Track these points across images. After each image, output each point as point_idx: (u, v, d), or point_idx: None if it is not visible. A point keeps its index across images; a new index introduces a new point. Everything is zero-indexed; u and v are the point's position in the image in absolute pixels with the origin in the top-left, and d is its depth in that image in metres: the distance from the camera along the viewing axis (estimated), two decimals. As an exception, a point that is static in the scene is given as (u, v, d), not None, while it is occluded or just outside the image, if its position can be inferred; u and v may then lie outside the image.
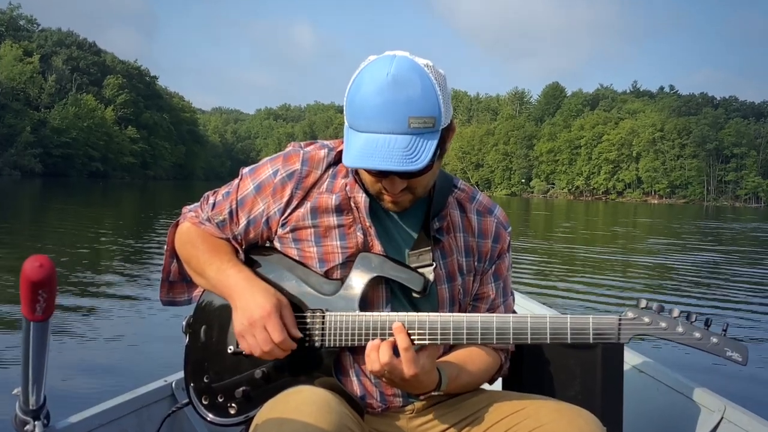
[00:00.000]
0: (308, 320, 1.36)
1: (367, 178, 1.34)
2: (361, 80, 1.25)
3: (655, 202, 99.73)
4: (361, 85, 1.24)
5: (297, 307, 1.38)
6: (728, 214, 54.11)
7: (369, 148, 1.22)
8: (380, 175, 1.30)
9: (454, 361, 1.38)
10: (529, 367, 1.66)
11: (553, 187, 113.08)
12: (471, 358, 1.41)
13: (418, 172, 1.27)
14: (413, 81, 1.23)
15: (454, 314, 1.31)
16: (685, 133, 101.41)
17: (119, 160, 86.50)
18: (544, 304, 3.12)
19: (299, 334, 1.34)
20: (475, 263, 1.45)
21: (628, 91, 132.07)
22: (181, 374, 1.59)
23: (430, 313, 1.30)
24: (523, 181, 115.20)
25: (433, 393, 1.32)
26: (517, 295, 2.95)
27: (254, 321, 1.32)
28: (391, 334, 1.29)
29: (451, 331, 1.29)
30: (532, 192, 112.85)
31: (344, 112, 1.29)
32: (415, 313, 1.30)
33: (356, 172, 1.39)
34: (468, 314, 1.31)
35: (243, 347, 1.35)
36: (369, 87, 1.23)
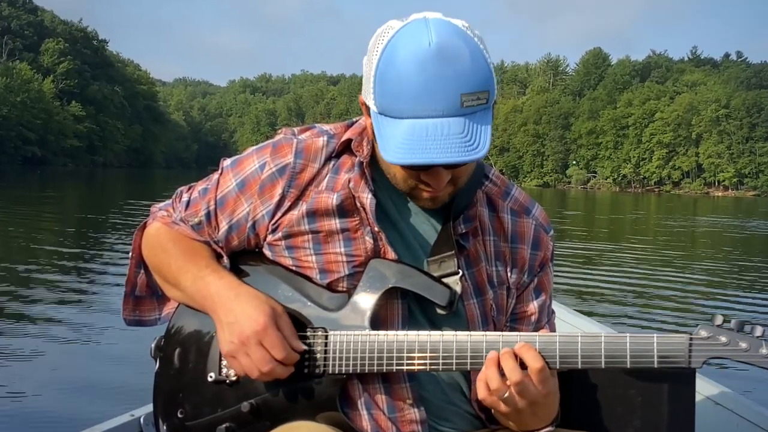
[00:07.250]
0: (309, 341, 1.36)
1: (399, 173, 1.33)
2: (393, 54, 1.23)
3: (719, 194, 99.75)
4: (395, 59, 1.23)
5: (294, 325, 1.37)
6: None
7: (417, 137, 1.20)
8: (423, 168, 1.27)
9: None
10: (579, 398, 1.66)
11: (594, 177, 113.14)
12: None
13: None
14: (461, 50, 1.22)
15: (488, 333, 1.31)
16: (756, 110, 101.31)
17: (61, 144, 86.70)
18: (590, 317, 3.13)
19: (302, 347, 1.34)
20: (509, 274, 1.46)
21: (686, 59, 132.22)
22: (150, 407, 1.60)
23: (458, 332, 1.30)
24: (566, 167, 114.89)
25: (548, 428, 1.33)
26: (563, 309, 2.95)
27: (246, 338, 1.31)
28: (410, 359, 1.30)
29: (484, 354, 1.28)
30: (569, 182, 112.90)
31: (369, 96, 1.27)
32: (438, 332, 1.31)
33: (365, 166, 1.39)
34: (504, 333, 1.31)
35: (235, 369, 1.35)
36: (408, 62, 1.21)
